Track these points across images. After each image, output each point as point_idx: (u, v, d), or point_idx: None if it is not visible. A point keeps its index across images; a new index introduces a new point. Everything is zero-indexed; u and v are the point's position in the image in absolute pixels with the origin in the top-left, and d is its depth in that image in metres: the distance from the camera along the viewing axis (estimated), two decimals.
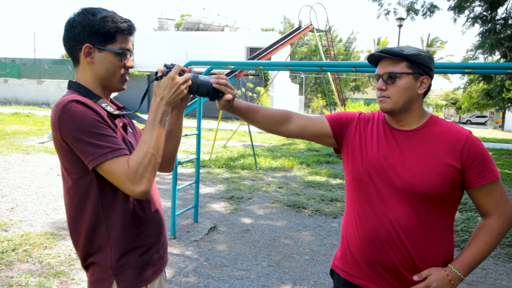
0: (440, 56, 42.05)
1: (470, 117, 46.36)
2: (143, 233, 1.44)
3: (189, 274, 3.70)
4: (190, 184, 5.25)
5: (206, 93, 1.47)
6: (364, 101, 34.82)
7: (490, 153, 1.47)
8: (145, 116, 1.47)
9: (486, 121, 42.55)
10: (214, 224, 5.08)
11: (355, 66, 4.64)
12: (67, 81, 1.46)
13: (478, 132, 26.68)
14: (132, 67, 1.49)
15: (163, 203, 5.73)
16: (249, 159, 9.91)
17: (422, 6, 12.08)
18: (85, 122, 1.26)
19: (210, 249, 4.32)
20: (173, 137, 1.60)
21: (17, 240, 4.15)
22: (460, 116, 48.50)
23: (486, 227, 1.50)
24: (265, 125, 1.67)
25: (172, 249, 4.24)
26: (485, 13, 10.64)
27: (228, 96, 1.48)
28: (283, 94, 28.78)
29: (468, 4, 10.67)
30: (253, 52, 21.15)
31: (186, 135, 4.87)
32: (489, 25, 10.50)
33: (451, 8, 11.04)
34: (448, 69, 4.50)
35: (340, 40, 44.25)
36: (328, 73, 13.73)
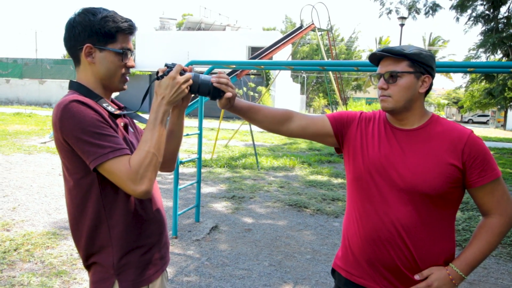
0: (442, 55, 42.00)
1: (472, 116, 46.29)
2: (144, 233, 1.44)
3: (191, 273, 3.70)
4: (192, 183, 5.25)
5: (207, 92, 1.47)
6: (365, 100, 34.76)
7: (491, 152, 1.47)
8: (146, 116, 1.47)
9: (488, 120, 42.50)
10: (216, 224, 5.09)
11: (356, 65, 4.64)
12: (69, 81, 1.47)
13: (480, 131, 26.64)
14: (133, 66, 1.49)
15: (165, 203, 5.74)
16: (250, 158, 9.91)
17: (424, 5, 12.07)
18: (86, 122, 1.26)
19: (212, 248, 4.32)
20: (175, 137, 1.60)
21: (19, 240, 4.16)
22: (462, 115, 48.43)
23: (487, 226, 1.50)
24: (267, 125, 1.67)
25: (174, 249, 4.25)
26: (487, 12, 10.62)
27: (228, 94, 1.48)
28: (284, 94, 28.78)
29: (470, 3, 10.65)
30: (255, 52, 21.13)
31: (187, 134, 4.88)
32: (492, 24, 10.48)
33: (453, 7, 11.02)
34: (450, 68, 4.49)
35: (342, 39, 44.22)
36: (330, 72, 13.73)
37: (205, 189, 6.87)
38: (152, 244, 1.47)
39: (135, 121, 1.62)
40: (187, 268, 3.80)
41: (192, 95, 1.54)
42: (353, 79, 43.77)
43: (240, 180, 7.78)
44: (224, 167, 9.01)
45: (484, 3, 10.58)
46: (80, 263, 3.68)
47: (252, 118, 1.66)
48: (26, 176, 7.10)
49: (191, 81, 1.41)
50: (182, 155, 9.90)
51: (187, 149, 11.25)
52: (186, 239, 4.55)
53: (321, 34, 15.74)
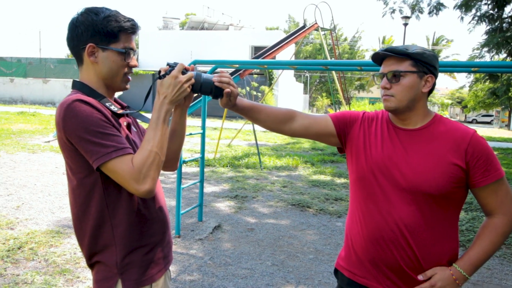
0: (446, 55, 41.85)
1: (476, 116, 46.14)
2: (147, 232, 1.44)
3: (194, 272, 3.71)
4: (195, 183, 5.26)
5: (209, 91, 1.46)
6: (369, 100, 34.71)
7: (495, 153, 1.47)
8: (149, 115, 1.47)
9: (492, 120, 42.32)
10: (219, 223, 5.09)
11: (360, 65, 4.63)
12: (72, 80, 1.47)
13: (484, 131, 26.52)
14: (135, 66, 1.49)
15: (168, 202, 5.74)
16: (253, 158, 9.91)
17: (428, 5, 12.02)
18: (89, 122, 1.26)
19: (215, 248, 4.32)
20: (177, 136, 1.60)
21: (23, 238, 4.18)
22: (465, 115, 48.27)
23: (491, 226, 1.49)
24: (269, 124, 1.67)
25: (177, 248, 4.25)
26: (491, 11, 10.57)
27: (227, 90, 1.47)
28: (287, 93, 28.75)
29: (474, 2, 10.61)
30: (258, 51, 21.14)
31: (190, 134, 4.89)
32: (496, 23, 10.43)
33: (457, 7, 10.98)
34: (454, 67, 4.48)
35: (345, 39, 44.11)
36: (333, 72, 13.70)
37: (208, 189, 6.88)
38: (155, 243, 1.47)
39: (138, 120, 1.62)
40: (190, 267, 3.81)
41: (195, 95, 1.54)
42: (356, 78, 43.67)
43: (243, 179, 7.78)
44: (227, 166, 9.02)
45: (488, 2, 10.54)
46: (83, 262, 3.69)
47: (255, 117, 1.65)
48: (30, 175, 7.13)
49: (193, 80, 1.41)
50: (185, 155, 9.91)
51: (190, 148, 11.27)
52: (189, 238, 4.56)
53: (324, 34, 15.71)
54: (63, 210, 5.24)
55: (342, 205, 6.23)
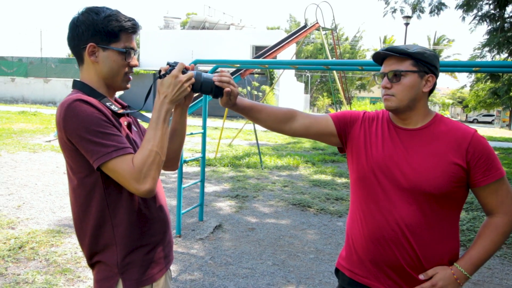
0: (447, 55, 41.83)
1: (477, 116, 46.09)
2: (148, 232, 1.44)
3: (194, 272, 3.71)
4: (196, 182, 5.26)
5: (209, 90, 1.46)
6: (370, 99, 34.67)
7: (497, 152, 1.47)
8: (149, 115, 1.47)
9: (493, 120, 42.26)
10: (219, 223, 5.09)
11: (361, 64, 4.63)
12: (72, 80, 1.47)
13: (485, 131, 26.50)
14: (136, 66, 1.49)
15: (169, 202, 5.75)
16: (254, 157, 9.91)
17: (429, 4, 12.01)
18: (90, 121, 1.26)
19: (215, 247, 4.33)
20: (178, 135, 1.60)
21: (24, 238, 4.18)
22: (467, 115, 48.23)
23: (492, 226, 1.49)
24: (269, 124, 1.67)
25: (177, 248, 4.26)
26: (493, 11, 10.56)
27: (227, 89, 1.46)
28: (288, 93, 28.74)
29: (476, 2, 10.59)
30: (259, 51, 21.14)
31: (191, 133, 4.89)
32: (497, 23, 10.42)
33: (459, 6, 10.96)
34: (455, 67, 4.47)
35: (346, 39, 44.09)
36: (334, 71, 13.69)
37: (209, 188, 6.88)
38: (156, 243, 1.47)
39: (138, 120, 1.62)
40: (191, 267, 3.81)
41: (195, 94, 1.53)
42: (358, 78, 43.66)
43: (243, 179, 7.78)
44: (228, 166, 9.02)
45: (490, 2, 10.53)
46: (84, 261, 3.70)
47: (255, 117, 1.65)
48: (31, 174, 7.13)
49: (193, 80, 1.41)
50: (186, 154, 9.92)
51: (191, 148, 11.27)
52: (189, 238, 4.56)
53: (326, 33, 15.71)
54: (64, 210, 5.24)
55: (343, 204, 6.23)
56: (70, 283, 3.33)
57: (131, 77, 1.50)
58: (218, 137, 10.91)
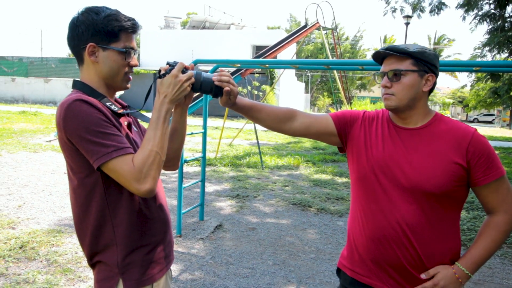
0: (448, 54, 41.80)
1: (477, 115, 46.08)
2: (148, 232, 1.44)
3: (195, 272, 3.71)
4: (196, 182, 5.26)
5: (209, 90, 1.46)
6: (370, 99, 34.64)
7: (497, 152, 1.47)
8: (149, 115, 1.47)
9: (493, 120, 42.25)
10: (220, 222, 5.09)
11: (361, 64, 4.63)
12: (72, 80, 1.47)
13: (485, 130, 26.48)
14: (136, 65, 1.49)
15: (169, 202, 5.75)
16: (255, 157, 9.91)
17: (430, 4, 12.01)
18: (90, 121, 1.26)
19: (216, 247, 4.33)
20: (178, 135, 1.60)
21: (25, 238, 4.18)
22: (467, 114, 48.22)
23: (493, 224, 1.49)
24: (269, 123, 1.67)
25: (178, 247, 4.26)
26: (493, 11, 10.56)
27: (227, 89, 1.46)
28: (289, 93, 28.75)
29: (476, 1, 10.59)
30: (259, 50, 21.14)
31: (192, 133, 4.89)
32: (498, 23, 10.42)
33: (459, 6, 10.97)
34: (456, 67, 4.47)
35: (347, 38, 44.08)
36: (334, 71, 13.69)
37: (209, 188, 6.88)
38: (156, 243, 1.47)
39: (138, 120, 1.62)
40: (191, 267, 3.81)
41: (195, 94, 1.53)
42: (358, 78, 43.65)
43: (244, 179, 7.78)
44: (228, 166, 9.02)
45: (490, 2, 10.53)
46: (85, 261, 3.70)
47: (255, 116, 1.65)
48: (31, 174, 7.14)
49: (193, 79, 1.41)
50: (186, 154, 9.92)
51: (191, 147, 11.27)
52: (190, 237, 4.56)
53: (326, 33, 15.70)
54: (65, 210, 5.25)
55: (343, 204, 6.23)
56: (70, 283, 3.33)
57: (131, 77, 1.50)
58: (219, 136, 10.91)
